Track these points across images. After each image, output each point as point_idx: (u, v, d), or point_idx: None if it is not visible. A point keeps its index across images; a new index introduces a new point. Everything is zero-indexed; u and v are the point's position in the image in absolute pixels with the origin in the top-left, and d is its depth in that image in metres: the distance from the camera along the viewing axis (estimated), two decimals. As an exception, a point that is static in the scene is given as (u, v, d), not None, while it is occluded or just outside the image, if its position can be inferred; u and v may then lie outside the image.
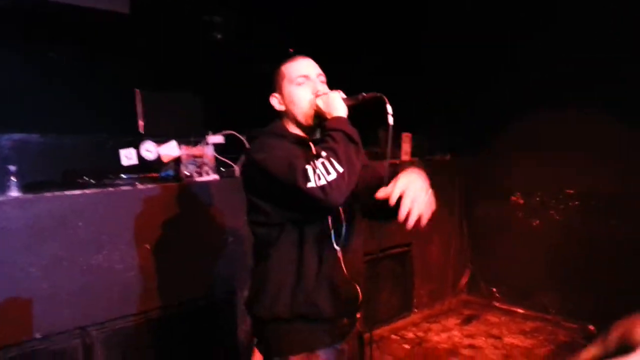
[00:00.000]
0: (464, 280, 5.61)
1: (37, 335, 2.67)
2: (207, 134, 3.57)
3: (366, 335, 2.24)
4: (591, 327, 4.60)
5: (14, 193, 2.70)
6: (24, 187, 2.76)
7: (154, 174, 3.39)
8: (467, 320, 5.12)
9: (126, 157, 3.21)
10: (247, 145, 3.53)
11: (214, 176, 3.44)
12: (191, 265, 3.24)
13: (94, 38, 3.56)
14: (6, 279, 2.58)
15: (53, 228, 2.72)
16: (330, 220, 1.93)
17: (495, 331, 4.82)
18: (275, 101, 2.04)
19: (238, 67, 4.18)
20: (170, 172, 3.37)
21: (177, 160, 3.36)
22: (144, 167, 3.33)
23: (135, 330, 3.03)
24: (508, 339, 4.63)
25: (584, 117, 4.43)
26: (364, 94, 1.91)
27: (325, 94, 1.93)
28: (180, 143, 3.37)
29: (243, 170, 2.05)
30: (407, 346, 4.57)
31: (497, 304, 5.40)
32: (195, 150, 3.40)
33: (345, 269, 1.97)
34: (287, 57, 2.05)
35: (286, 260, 1.91)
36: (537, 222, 5.06)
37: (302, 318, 1.91)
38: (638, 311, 0.99)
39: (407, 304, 5.00)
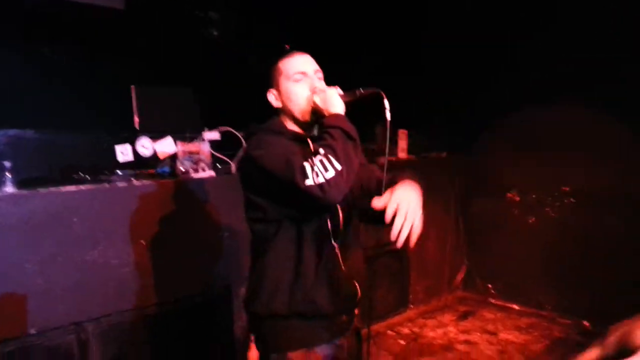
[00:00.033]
0: (459, 277, 5.62)
1: (32, 331, 2.67)
2: (203, 130, 3.55)
3: (363, 331, 2.23)
4: (586, 324, 4.62)
5: (9, 189, 2.70)
6: (19, 183, 2.75)
7: (150, 170, 3.39)
8: (463, 316, 5.14)
9: (122, 153, 3.20)
10: (244, 142, 3.52)
11: (210, 173, 3.43)
12: (187, 261, 3.24)
13: (90, 34, 3.54)
14: (1, 274, 2.57)
15: (48, 224, 2.71)
16: (328, 217, 1.92)
17: (490, 327, 4.84)
18: (272, 97, 2.03)
19: (234, 63, 4.17)
20: (166, 169, 3.37)
21: (173, 157, 3.35)
22: (140, 163, 3.33)
23: (131, 326, 3.03)
24: (503, 335, 4.65)
25: (580, 116, 4.43)
26: (362, 90, 1.89)
27: (322, 90, 1.91)
28: (176, 139, 3.36)
29: (240, 166, 2.04)
30: (402, 342, 4.58)
31: (492, 300, 5.41)
32: (192, 147, 3.40)
33: (344, 266, 1.96)
34: (284, 52, 2.03)
35: (284, 257, 1.90)
36: (533, 219, 5.07)
37: (300, 315, 1.91)
38: (634, 312, 0.99)
39: (403, 300, 5.01)
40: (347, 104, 1.89)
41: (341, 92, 1.92)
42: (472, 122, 5.19)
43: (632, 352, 0.93)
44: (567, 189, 4.79)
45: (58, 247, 2.74)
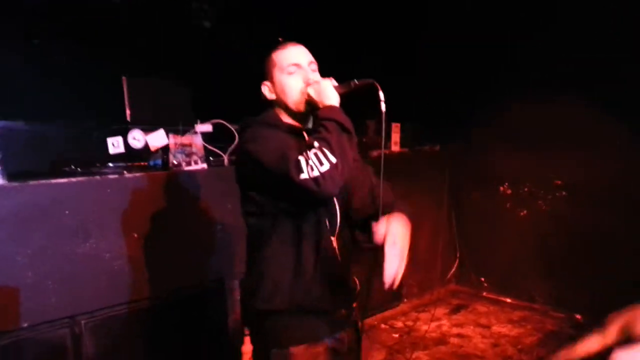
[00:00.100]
0: (452, 270, 5.63)
1: (25, 325, 2.64)
2: (196, 123, 3.53)
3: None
4: (578, 317, 4.65)
5: (-1, 181, 2.67)
6: (9, 176, 2.72)
7: (142, 163, 3.37)
8: (456, 309, 5.15)
9: (113, 145, 3.18)
10: (237, 135, 3.50)
11: (202, 165, 3.42)
12: (180, 254, 3.22)
13: (83, 26, 3.51)
14: (-8, 268, 2.55)
15: (39, 217, 2.69)
16: (325, 211, 1.91)
17: (483, 320, 4.86)
18: (266, 90, 2.01)
19: (227, 56, 4.15)
20: (159, 161, 3.35)
21: (165, 149, 3.33)
22: (132, 155, 3.31)
23: (124, 319, 3.02)
24: (496, 328, 4.67)
25: (573, 110, 4.43)
26: (356, 81, 1.88)
27: (316, 82, 1.89)
28: (168, 132, 3.34)
29: (235, 160, 2.02)
30: (396, 335, 4.59)
31: (485, 294, 5.44)
32: (184, 139, 3.38)
33: (342, 260, 1.95)
34: (278, 44, 2.00)
35: (282, 252, 1.89)
36: (525, 212, 5.09)
37: (300, 310, 1.89)
38: (626, 305, 0.98)
39: (396, 294, 5.01)
40: (342, 96, 1.87)
41: (335, 83, 1.90)
42: (465, 115, 5.18)
43: (635, 341, 0.92)
44: (560, 182, 4.81)
45: (49, 240, 2.71)
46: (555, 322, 4.71)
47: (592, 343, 0.98)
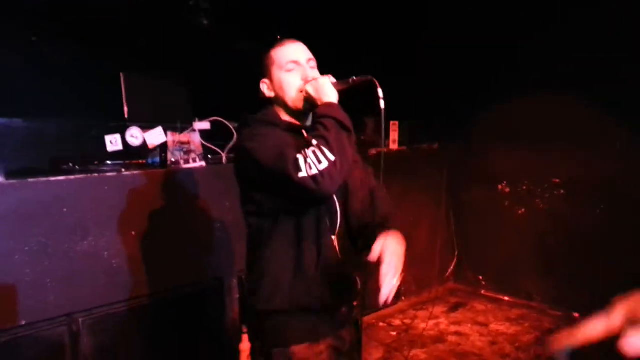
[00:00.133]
0: (450, 269, 5.64)
1: (23, 322, 2.64)
2: (194, 121, 3.53)
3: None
4: (576, 315, 4.65)
5: (-3, 179, 2.66)
6: (8, 173, 2.72)
7: (140, 161, 3.37)
8: (454, 307, 5.16)
9: (111, 142, 3.18)
10: (235, 132, 3.50)
11: (200, 163, 3.41)
12: (178, 252, 3.22)
13: (80, 23, 3.51)
14: (-10, 265, 2.54)
15: (37, 214, 2.68)
16: (325, 210, 1.90)
17: (481, 318, 4.87)
18: (264, 87, 2.00)
19: (225, 53, 4.15)
20: (157, 159, 3.34)
21: (163, 147, 3.33)
22: (130, 153, 3.30)
23: (122, 317, 3.01)
24: (494, 326, 4.67)
25: (570, 108, 4.44)
26: (354, 78, 1.87)
27: (314, 79, 1.88)
28: (166, 129, 3.33)
29: (235, 159, 2.01)
30: (394, 333, 4.60)
31: (483, 292, 5.45)
32: (182, 137, 3.38)
33: (342, 258, 1.94)
34: (276, 42, 1.99)
35: (283, 251, 1.88)
36: (523, 210, 5.10)
37: (302, 309, 1.89)
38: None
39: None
40: (340, 93, 1.87)
41: (334, 80, 1.89)
42: (464, 113, 5.19)
43: None
44: (558, 180, 4.82)
45: (47, 238, 2.71)
46: (553, 321, 4.71)
47: (597, 327, 0.97)
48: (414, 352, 4.22)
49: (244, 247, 3.33)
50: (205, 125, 3.54)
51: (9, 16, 3.25)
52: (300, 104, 1.92)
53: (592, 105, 4.20)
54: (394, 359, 4.17)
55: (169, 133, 3.32)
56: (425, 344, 4.37)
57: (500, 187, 5.24)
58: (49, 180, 2.75)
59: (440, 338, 4.48)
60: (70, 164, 3.16)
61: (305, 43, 2.00)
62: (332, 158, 1.66)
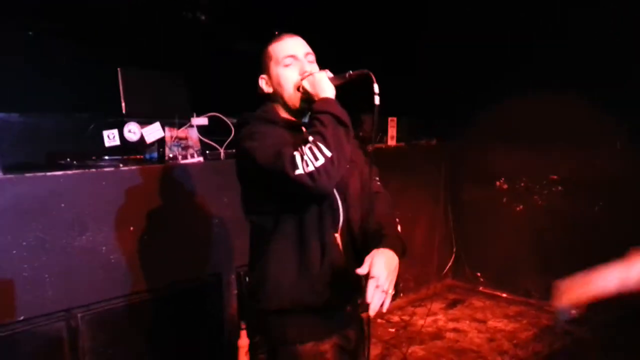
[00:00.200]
0: (449, 265, 5.64)
1: (21, 318, 2.63)
2: (192, 116, 3.52)
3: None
4: (573, 312, 4.64)
5: (-6, 173, 2.65)
6: (5, 168, 2.71)
7: (138, 156, 3.36)
8: (452, 304, 5.18)
9: (109, 137, 3.17)
10: (234, 130, 3.49)
11: (198, 159, 3.41)
12: (176, 248, 3.22)
13: (78, 18, 3.50)
14: (-13, 261, 2.54)
15: (35, 209, 2.67)
16: (327, 207, 1.87)
17: (479, 315, 4.88)
18: (263, 83, 1.98)
19: (223, 49, 4.14)
20: (155, 154, 3.34)
21: (161, 142, 3.32)
22: (128, 148, 3.29)
23: (120, 313, 3.01)
24: (492, 323, 4.69)
25: (568, 105, 4.46)
26: (351, 72, 1.84)
27: (310, 74, 1.86)
28: (164, 125, 3.32)
29: (235, 158, 1.97)
30: (392, 330, 4.61)
31: (481, 289, 5.46)
32: (180, 132, 3.37)
33: (346, 256, 1.92)
34: (274, 37, 1.98)
35: (285, 250, 1.86)
36: (521, 207, 5.11)
37: (306, 308, 1.87)
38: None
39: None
40: (337, 88, 1.84)
41: (331, 75, 1.86)
42: (462, 110, 5.20)
43: None
44: (555, 177, 4.82)
45: (45, 233, 2.70)
46: (551, 317, 4.70)
47: (613, 276, 0.96)
48: (412, 348, 4.23)
49: (243, 243, 3.33)
50: (203, 120, 3.53)
51: (7, 10, 3.25)
52: (297, 99, 1.90)
53: (588, 101, 4.21)
54: (392, 355, 4.17)
55: (166, 128, 3.31)
56: (424, 340, 4.38)
57: (498, 183, 5.25)
58: (46, 175, 2.74)
59: (438, 335, 4.50)
60: (68, 159, 3.15)
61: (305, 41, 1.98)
62: (329, 154, 1.64)
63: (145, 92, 3.48)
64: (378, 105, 1.77)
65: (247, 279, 3.44)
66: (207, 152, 3.59)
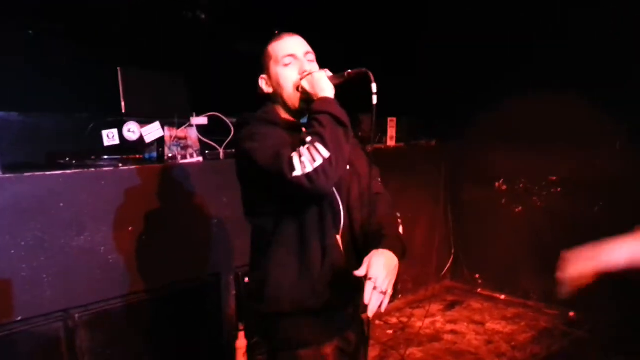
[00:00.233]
0: (447, 267, 5.64)
1: (19, 318, 2.63)
2: (191, 116, 3.51)
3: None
4: (571, 314, 4.66)
5: (-6, 172, 2.65)
6: (4, 167, 2.70)
7: (138, 156, 3.36)
8: (450, 306, 5.17)
9: (108, 137, 3.16)
10: (233, 130, 3.48)
11: (198, 158, 3.40)
12: (174, 247, 3.21)
13: (78, 18, 3.49)
14: (-15, 260, 2.53)
15: (34, 209, 2.66)
16: (327, 209, 1.85)
17: (477, 317, 4.87)
18: (263, 83, 1.97)
19: (223, 48, 4.14)
20: (154, 154, 3.34)
21: (160, 142, 3.32)
22: (127, 148, 3.29)
23: (118, 313, 3.00)
24: (490, 325, 4.68)
25: (567, 106, 4.45)
26: (349, 71, 1.83)
27: (310, 73, 1.84)
28: (164, 124, 3.32)
29: (235, 159, 1.95)
30: (390, 331, 4.60)
31: (479, 290, 5.46)
32: (179, 132, 3.36)
33: (347, 257, 1.90)
34: (274, 36, 1.96)
35: (286, 252, 1.85)
36: (520, 208, 5.11)
37: (308, 311, 1.85)
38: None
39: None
40: (337, 87, 1.83)
41: (330, 74, 1.85)
42: (462, 110, 5.19)
43: None
44: (554, 178, 4.82)
45: (44, 233, 2.69)
46: (549, 319, 4.72)
47: (622, 251, 0.95)
48: (410, 350, 4.22)
49: (242, 243, 3.33)
50: (202, 120, 3.53)
51: (7, 10, 3.24)
52: (297, 99, 1.89)
53: (587, 102, 4.21)
54: (390, 357, 4.17)
55: (166, 128, 3.31)
56: (422, 342, 4.37)
57: (497, 184, 5.24)
58: (46, 175, 2.73)
59: (436, 336, 4.49)
60: (67, 159, 3.15)
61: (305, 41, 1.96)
62: (327, 155, 1.62)
63: (145, 92, 3.47)
64: (376, 105, 1.77)
65: (245, 279, 3.44)
66: (207, 152, 3.58)
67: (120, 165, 3.08)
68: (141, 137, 3.24)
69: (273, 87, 1.94)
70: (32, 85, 3.21)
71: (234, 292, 3.51)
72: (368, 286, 1.62)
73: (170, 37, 3.89)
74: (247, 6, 4.42)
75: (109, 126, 3.21)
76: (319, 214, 1.84)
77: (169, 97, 3.62)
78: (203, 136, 3.52)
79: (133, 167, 3.08)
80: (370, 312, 1.62)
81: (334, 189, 1.85)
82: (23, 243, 2.63)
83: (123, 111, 3.32)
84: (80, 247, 2.82)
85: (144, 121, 3.28)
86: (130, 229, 3.01)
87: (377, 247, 1.77)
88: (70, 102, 3.28)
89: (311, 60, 1.93)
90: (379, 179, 2.11)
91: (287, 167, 1.61)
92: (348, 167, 1.93)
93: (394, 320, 4.82)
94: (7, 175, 2.64)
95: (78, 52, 3.45)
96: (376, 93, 1.76)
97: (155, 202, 3.12)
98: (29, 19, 3.33)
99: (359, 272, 1.66)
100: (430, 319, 4.82)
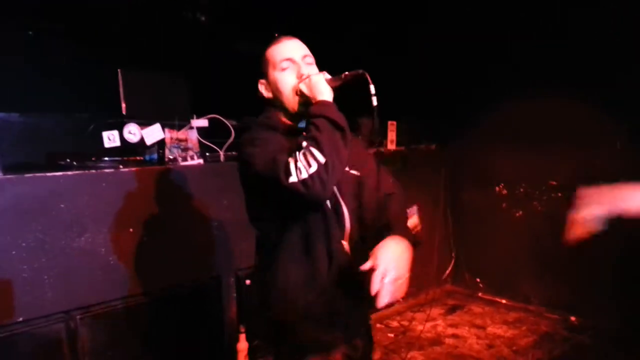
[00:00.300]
0: (448, 271, 5.63)
1: (20, 319, 2.63)
2: (192, 118, 3.52)
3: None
4: (573, 318, 4.65)
5: (-6, 173, 2.66)
6: (5, 168, 2.71)
7: (138, 158, 3.37)
8: (451, 310, 5.16)
9: (109, 138, 3.17)
10: (233, 131, 3.50)
11: (198, 161, 3.41)
12: (175, 249, 3.22)
13: (79, 19, 3.50)
14: (-14, 261, 2.53)
15: (35, 210, 2.67)
16: (332, 214, 1.84)
17: (478, 321, 4.86)
18: (262, 88, 1.96)
19: (224, 51, 4.14)
20: (154, 156, 3.35)
21: (161, 144, 3.33)
22: (128, 150, 3.30)
23: (119, 315, 3.00)
24: (491, 329, 4.67)
25: (569, 111, 4.45)
26: (347, 73, 1.81)
27: (307, 77, 1.82)
28: (164, 126, 3.33)
29: (238, 165, 1.92)
30: (391, 335, 4.59)
31: (480, 295, 5.44)
32: (180, 134, 3.37)
33: (355, 263, 1.83)
34: (272, 40, 1.95)
35: (291, 259, 1.82)
36: (521, 212, 5.10)
37: (315, 318, 1.84)
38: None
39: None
40: (336, 89, 1.81)
41: (329, 76, 1.83)
42: (462, 114, 5.19)
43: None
44: (555, 183, 4.81)
45: (45, 234, 2.70)
46: (550, 324, 4.71)
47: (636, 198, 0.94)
48: (412, 354, 4.21)
49: (242, 246, 3.34)
50: (203, 122, 3.54)
51: (7, 10, 3.25)
52: (296, 104, 1.87)
53: (589, 107, 4.21)
54: (391, 360, 4.17)
55: (166, 130, 3.32)
56: (423, 346, 4.36)
57: (497, 189, 5.24)
58: (46, 176, 2.74)
59: (437, 340, 4.48)
60: (68, 160, 3.16)
61: (304, 42, 1.95)
62: (322, 160, 1.60)
63: (146, 94, 3.49)
64: (376, 106, 1.75)
65: (247, 282, 3.44)
66: (207, 154, 3.59)
67: (121, 166, 3.09)
68: (142, 139, 3.25)
69: (272, 92, 1.92)
70: (33, 86, 3.22)
71: (234, 295, 3.51)
72: (375, 277, 1.60)
73: (171, 38, 3.90)
74: (247, 6, 4.43)
75: (110, 127, 3.22)
76: (323, 219, 1.82)
77: (170, 99, 3.63)
78: (203, 138, 3.53)
79: (133, 168, 3.09)
80: (380, 303, 1.60)
81: (338, 192, 1.85)
82: (24, 244, 2.64)
83: (124, 113, 3.33)
84: (81, 249, 2.83)
85: (144, 123, 3.29)
86: (130, 230, 3.02)
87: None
88: (70, 102, 3.29)
89: (310, 63, 1.91)
90: (391, 179, 2.10)
91: (283, 173, 1.59)
92: (356, 171, 1.94)
93: (395, 323, 4.82)
94: (7, 176, 2.66)
95: (78, 52, 3.46)
96: (375, 94, 1.75)
97: (156, 204, 3.13)
98: (29, 20, 3.34)
99: (364, 267, 1.64)
100: (432, 322, 4.81)
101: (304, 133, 1.80)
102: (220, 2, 4.29)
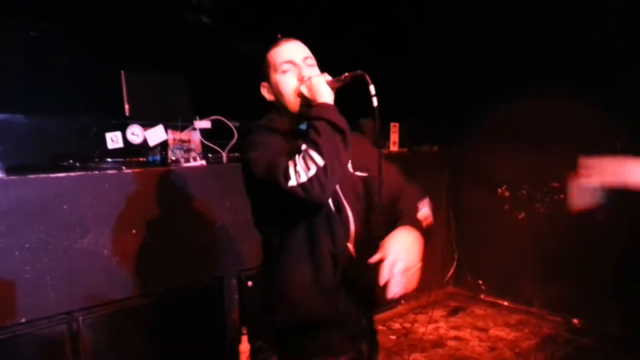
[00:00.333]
0: (450, 273, 5.63)
1: (22, 320, 2.63)
2: (195, 119, 3.53)
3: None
4: (575, 321, 4.64)
5: (-2, 174, 2.66)
6: (8, 169, 2.72)
7: (141, 159, 3.37)
8: (454, 312, 5.15)
9: (112, 140, 3.18)
10: (236, 132, 3.50)
11: (201, 162, 3.42)
12: (178, 250, 3.22)
13: (82, 20, 3.51)
14: (-11, 262, 2.54)
15: (37, 211, 2.68)
16: (337, 217, 1.82)
17: (480, 323, 4.85)
18: (264, 91, 1.95)
19: (226, 52, 4.14)
20: (157, 157, 3.35)
21: (164, 145, 3.33)
22: (131, 151, 3.30)
23: (122, 316, 3.01)
24: (493, 332, 4.65)
25: (572, 113, 4.44)
26: (347, 74, 1.79)
27: (308, 79, 1.81)
28: (167, 128, 3.34)
29: (241, 168, 1.90)
30: (393, 337, 4.58)
31: (483, 297, 5.43)
32: (183, 135, 3.38)
33: (361, 266, 1.81)
34: (274, 42, 1.94)
35: (297, 261, 1.80)
36: (523, 215, 5.09)
37: (322, 322, 1.83)
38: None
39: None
40: (337, 90, 1.80)
41: (330, 78, 1.82)
42: (464, 116, 5.18)
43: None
44: (557, 185, 4.81)
45: (47, 235, 2.71)
46: (553, 326, 4.69)
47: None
48: (414, 356, 4.20)
49: (245, 247, 3.34)
50: (206, 124, 3.54)
51: (7, 10, 3.25)
52: (298, 106, 1.86)
53: (592, 105, 4.20)
54: (393, 362, 4.16)
55: (169, 131, 3.33)
56: (425, 348, 4.36)
57: (500, 191, 5.23)
58: (49, 177, 2.75)
59: (439, 342, 4.47)
60: (71, 161, 3.17)
61: (306, 43, 1.94)
62: (321, 163, 1.59)
63: (149, 95, 3.49)
64: (377, 107, 1.73)
65: (249, 283, 3.44)
66: (210, 155, 3.59)
67: (124, 168, 3.09)
68: (144, 140, 3.25)
69: (274, 95, 1.92)
70: (34, 87, 3.21)
71: (237, 296, 3.51)
72: (384, 268, 1.58)
73: (172, 38, 3.88)
74: (248, 7, 4.43)
75: (113, 129, 3.23)
76: (327, 222, 1.80)
77: (173, 101, 3.63)
78: (206, 139, 3.54)
79: (136, 170, 3.09)
80: (390, 293, 1.59)
81: (341, 195, 1.84)
82: (27, 245, 2.65)
83: (126, 114, 3.34)
84: (83, 250, 2.83)
85: (147, 124, 3.30)
86: (133, 231, 3.02)
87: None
88: (70, 102, 3.27)
89: (311, 65, 1.89)
90: (401, 178, 2.07)
91: (283, 177, 1.59)
92: (363, 172, 1.93)
93: (397, 325, 4.81)
94: (11, 177, 2.66)
95: (78, 52, 3.44)
96: (375, 95, 1.73)
97: (159, 205, 3.13)
98: (30, 20, 3.33)
99: (373, 259, 1.62)
100: (434, 324, 4.80)
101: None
102: (221, 2, 4.29)
